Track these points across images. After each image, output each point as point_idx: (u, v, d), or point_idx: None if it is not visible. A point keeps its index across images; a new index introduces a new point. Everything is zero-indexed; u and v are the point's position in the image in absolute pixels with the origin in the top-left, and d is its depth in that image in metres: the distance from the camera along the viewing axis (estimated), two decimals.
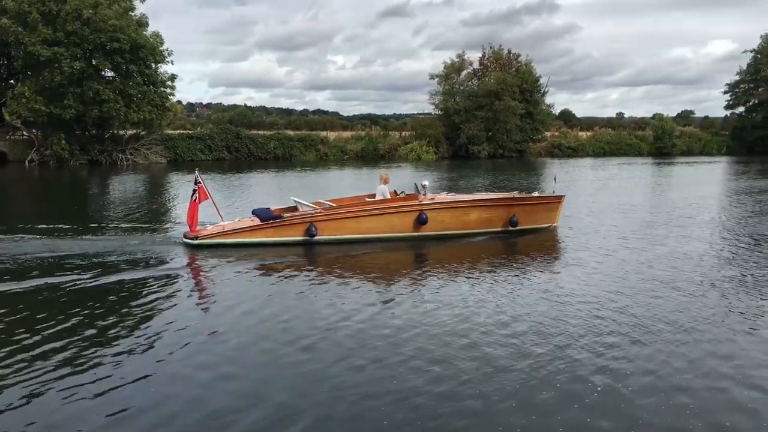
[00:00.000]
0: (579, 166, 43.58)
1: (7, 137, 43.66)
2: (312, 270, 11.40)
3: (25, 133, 42.61)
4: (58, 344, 7.32)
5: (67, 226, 15.22)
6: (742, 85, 64.94)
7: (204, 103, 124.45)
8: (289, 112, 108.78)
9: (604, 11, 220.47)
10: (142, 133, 43.95)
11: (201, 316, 8.66)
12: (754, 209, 19.91)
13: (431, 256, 13.12)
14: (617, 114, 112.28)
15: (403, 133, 57.10)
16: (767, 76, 60.35)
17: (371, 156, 50.88)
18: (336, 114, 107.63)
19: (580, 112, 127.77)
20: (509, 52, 56.74)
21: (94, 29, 37.67)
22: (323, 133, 55.18)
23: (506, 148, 53.27)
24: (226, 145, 46.91)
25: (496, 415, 5.60)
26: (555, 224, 15.60)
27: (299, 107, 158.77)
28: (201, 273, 11.32)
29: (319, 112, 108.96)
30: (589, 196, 23.20)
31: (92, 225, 15.84)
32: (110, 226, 15.85)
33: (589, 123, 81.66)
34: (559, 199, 15.64)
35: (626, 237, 14.57)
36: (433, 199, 14.70)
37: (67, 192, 27.03)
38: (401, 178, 29.12)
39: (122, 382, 6.31)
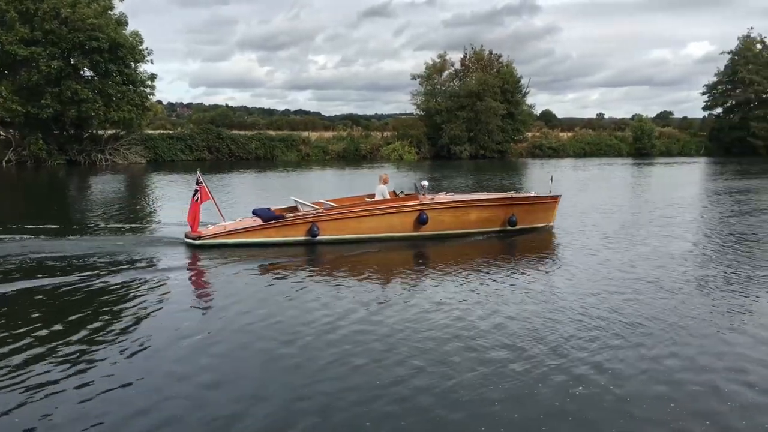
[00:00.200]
0: (560, 166, 43.90)
1: None
2: (313, 270, 11.40)
3: (2, 133, 41.83)
4: (58, 344, 7.30)
5: (69, 227, 15.09)
6: (719, 87, 65.77)
7: (185, 102, 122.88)
8: (270, 112, 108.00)
9: (584, 12, 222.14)
10: (122, 133, 43.36)
11: (202, 316, 8.63)
12: (734, 209, 20.29)
13: (431, 255, 13.14)
14: (597, 115, 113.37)
15: (385, 134, 57.10)
16: (744, 77, 61.19)
17: (353, 156, 50.81)
18: (317, 114, 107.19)
19: (560, 112, 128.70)
20: (490, 52, 57.04)
21: (72, 28, 37.11)
22: (305, 134, 54.93)
23: (488, 149, 53.45)
24: (207, 145, 46.51)
25: (495, 415, 5.58)
26: (552, 224, 15.82)
27: (281, 107, 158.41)
28: (203, 273, 11.29)
29: (300, 112, 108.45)
30: (574, 196, 23.38)
31: (91, 225, 15.75)
32: (109, 226, 15.73)
33: (569, 123, 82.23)
34: (555, 198, 15.81)
35: (625, 237, 14.71)
36: (433, 199, 14.76)
37: (46, 192, 26.57)
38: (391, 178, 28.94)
39: (122, 382, 6.26)
